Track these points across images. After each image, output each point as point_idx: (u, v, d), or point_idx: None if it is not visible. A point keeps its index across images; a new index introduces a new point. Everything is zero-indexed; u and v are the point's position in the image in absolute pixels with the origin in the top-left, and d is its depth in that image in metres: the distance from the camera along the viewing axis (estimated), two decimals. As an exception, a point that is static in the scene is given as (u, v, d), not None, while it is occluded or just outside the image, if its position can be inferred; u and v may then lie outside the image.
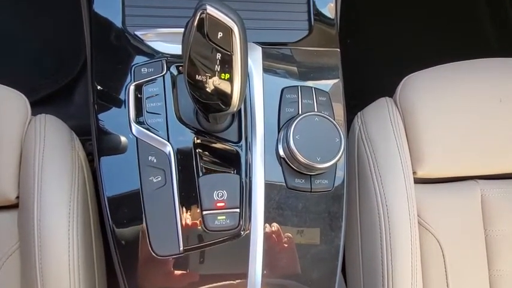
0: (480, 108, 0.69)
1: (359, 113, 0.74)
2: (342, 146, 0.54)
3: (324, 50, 0.64)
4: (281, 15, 0.64)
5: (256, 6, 0.64)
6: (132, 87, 0.56)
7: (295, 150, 0.53)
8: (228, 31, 0.41)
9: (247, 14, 0.62)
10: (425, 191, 0.69)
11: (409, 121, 0.69)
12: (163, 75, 0.56)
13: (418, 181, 0.69)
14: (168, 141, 0.54)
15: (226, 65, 0.43)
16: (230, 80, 0.45)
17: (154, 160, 0.53)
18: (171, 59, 0.58)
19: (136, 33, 0.59)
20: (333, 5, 0.66)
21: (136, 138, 0.54)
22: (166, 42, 0.59)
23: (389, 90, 0.74)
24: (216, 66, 0.44)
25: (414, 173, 0.69)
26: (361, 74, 1.16)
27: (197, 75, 0.45)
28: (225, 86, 0.45)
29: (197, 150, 0.55)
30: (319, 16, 0.65)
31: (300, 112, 0.58)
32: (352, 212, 0.67)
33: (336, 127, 0.55)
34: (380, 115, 0.70)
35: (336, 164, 0.55)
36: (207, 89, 0.46)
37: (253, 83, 0.58)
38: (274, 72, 0.61)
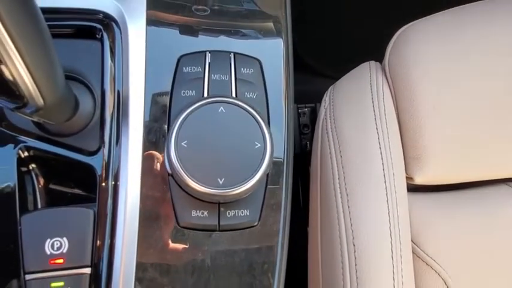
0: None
1: (330, 88, 0.50)
2: (267, 155, 0.31)
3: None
4: None
5: None
6: None
7: (178, 166, 0.30)
8: None
9: None
10: (426, 204, 0.45)
11: (404, 98, 0.45)
12: None
13: (416, 189, 0.46)
14: None
15: None
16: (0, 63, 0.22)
17: None
18: None
19: None
20: None
21: None
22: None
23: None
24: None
25: (409, 178, 0.45)
26: (348, 34, 0.88)
27: None
28: None
29: (26, 169, 0.33)
30: None
31: (204, 94, 0.35)
32: (313, 240, 0.45)
33: (258, 122, 0.32)
34: (357, 90, 0.46)
35: (260, 183, 0.32)
36: None
37: (127, 48, 0.35)
38: (167, 29, 0.37)
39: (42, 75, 0.24)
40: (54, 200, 0.34)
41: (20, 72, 0.23)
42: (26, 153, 0.33)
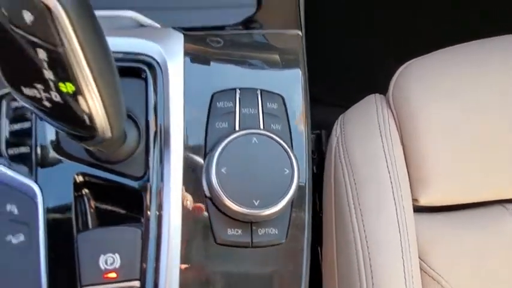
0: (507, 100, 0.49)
1: (340, 117, 0.55)
2: (294, 181, 0.36)
3: (279, 32, 0.45)
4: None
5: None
6: None
7: (219, 190, 0.35)
8: (43, 11, 0.23)
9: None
10: (431, 223, 0.50)
11: (408, 126, 0.50)
12: None
13: (421, 210, 0.50)
14: (36, 181, 0.37)
15: (60, 68, 0.25)
16: (78, 94, 0.27)
17: (15, 210, 0.36)
18: None
19: None
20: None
21: None
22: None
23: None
24: (46, 71, 0.26)
25: (415, 200, 0.49)
26: (353, 68, 0.95)
27: (24, 88, 0.27)
28: (73, 104, 0.27)
29: (80, 193, 0.38)
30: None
31: (237, 128, 0.40)
32: (329, 259, 0.49)
33: (286, 151, 0.37)
34: (365, 120, 0.51)
35: (289, 205, 0.37)
36: (48, 110, 0.28)
37: (167, 86, 0.40)
38: (202, 69, 0.42)
39: (113, 108, 0.29)
40: (103, 219, 0.38)
41: (95, 104, 0.27)
42: (81, 179, 0.37)
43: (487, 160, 0.48)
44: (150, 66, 0.40)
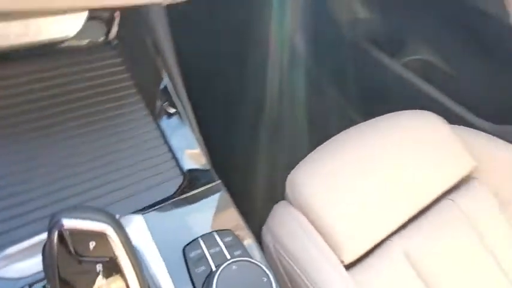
0: (366, 170, 0.73)
1: (264, 228, 0.71)
2: (272, 283, 0.49)
3: (205, 189, 0.61)
4: (149, 172, 0.60)
5: (118, 174, 0.58)
6: None
7: None
8: (102, 237, 0.34)
9: (110, 187, 0.57)
10: (361, 271, 0.67)
11: (312, 216, 0.69)
12: None
13: (351, 266, 0.67)
14: None
15: (113, 271, 0.36)
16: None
17: None
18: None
19: None
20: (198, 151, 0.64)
21: None
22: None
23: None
24: (101, 278, 0.35)
25: (342, 261, 0.66)
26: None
27: None
28: None
29: None
30: (188, 160, 0.62)
31: (212, 267, 0.52)
32: None
33: (258, 266, 0.50)
34: (284, 222, 0.68)
35: None
36: None
37: (148, 261, 0.50)
38: (167, 235, 0.54)
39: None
40: None
41: None
42: None
43: (376, 208, 0.69)
44: None
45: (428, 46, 1.10)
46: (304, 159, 0.75)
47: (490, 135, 0.84)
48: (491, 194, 0.78)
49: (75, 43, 0.67)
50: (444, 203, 0.77)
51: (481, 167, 0.80)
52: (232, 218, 0.58)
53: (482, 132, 0.85)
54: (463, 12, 0.99)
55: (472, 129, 0.85)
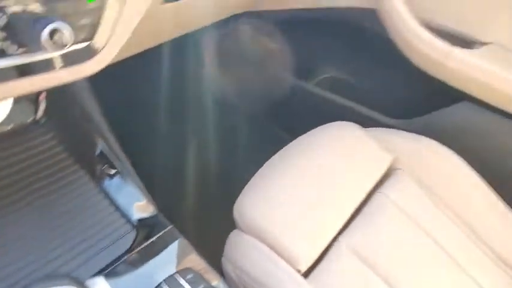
0: (302, 182, 0.80)
1: (223, 259, 0.76)
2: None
3: (159, 237, 0.65)
4: (102, 233, 0.63)
5: (74, 241, 0.61)
6: None
7: None
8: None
9: (68, 256, 0.59)
10: (317, 275, 0.73)
11: (262, 236, 0.74)
12: None
13: (309, 272, 0.73)
14: None
15: None
16: None
17: None
18: None
19: None
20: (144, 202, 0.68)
21: None
22: None
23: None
24: None
25: (299, 271, 0.72)
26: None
27: None
28: None
29: None
30: (137, 213, 0.66)
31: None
32: None
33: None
34: (240, 249, 0.74)
35: None
36: None
37: None
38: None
39: None
40: None
41: None
42: None
43: (319, 216, 0.77)
44: None
45: (333, 65, 1.24)
46: (246, 186, 0.81)
47: (399, 130, 0.96)
48: (414, 182, 0.89)
49: (4, 129, 0.70)
50: (376, 196, 0.86)
51: (401, 159, 0.92)
52: (191, 257, 0.63)
53: (393, 129, 0.97)
54: (356, 32, 1.14)
55: (384, 128, 0.98)
